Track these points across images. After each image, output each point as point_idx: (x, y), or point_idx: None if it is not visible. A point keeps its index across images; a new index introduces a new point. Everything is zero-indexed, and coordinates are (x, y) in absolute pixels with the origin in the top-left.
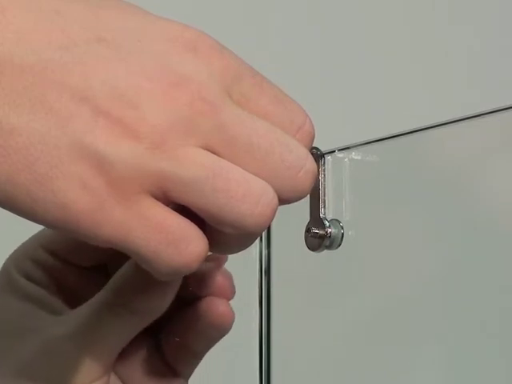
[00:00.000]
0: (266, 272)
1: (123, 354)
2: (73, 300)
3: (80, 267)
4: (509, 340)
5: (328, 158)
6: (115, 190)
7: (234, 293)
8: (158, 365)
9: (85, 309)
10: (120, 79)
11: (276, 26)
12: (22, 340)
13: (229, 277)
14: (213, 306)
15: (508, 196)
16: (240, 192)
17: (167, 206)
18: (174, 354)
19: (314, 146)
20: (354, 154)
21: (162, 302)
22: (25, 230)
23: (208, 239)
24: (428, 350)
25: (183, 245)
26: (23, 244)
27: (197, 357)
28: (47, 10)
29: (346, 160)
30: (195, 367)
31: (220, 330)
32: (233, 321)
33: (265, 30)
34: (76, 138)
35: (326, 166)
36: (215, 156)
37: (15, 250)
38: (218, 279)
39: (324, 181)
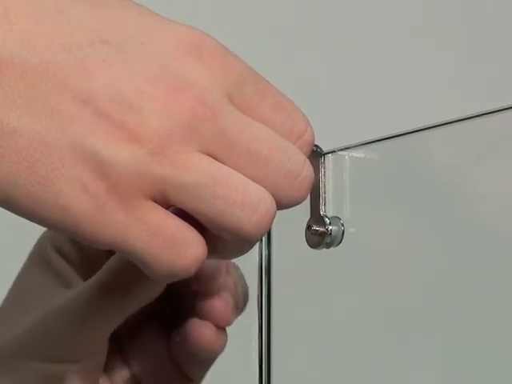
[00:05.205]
0: (266, 270)
1: (140, 358)
2: None
3: None
4: (509, 340)
5: (329, 155)
6: (115, 193)
7: (230, 321)
8: (171, 369)
9: (83, 285)
10: (122, 82)
11: (277, 25)
12: (28, 306)
13: (228, 304)
14: (197, 330)
15: (508, 196)
16: (239, 199)
17: (167, 209)
18: (182, 359)
19: (314, 143)
20: (355, 152)
21: (155, 288)
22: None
23: (207, 244)
24: (429, 347)
25: (182, 248)
26: None
27: (203, 366)
28: (51, 10)
29: (346, 157)
30: (205, 373)
31: (206, 354)
32: (220, 347)
33: (266, 30)
34: (76, 141)
35: (326, 163)
36: (216, 162)
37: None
38: (216, 304)
39: (324, 178)
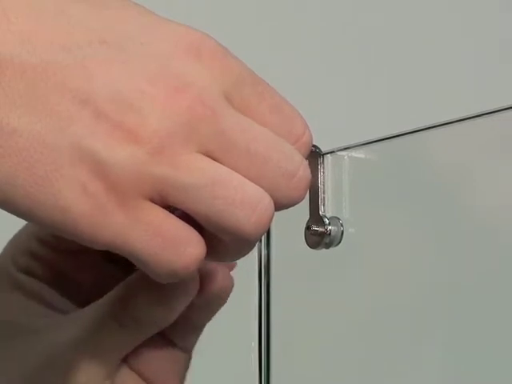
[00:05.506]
0: (265, 270)
1: (139, 353)
2: (76, 293)
3: (79, 255)
4: (509, 340)
5: (328, 155)
6: (114, 194)
7: (235, 265)
8: (159, 340)
9: (88, 314)
10: (121, 82)
11: (276, 25)
12: (26, 343)
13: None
14: (213, 273)
15: (508, 196)
16: (238, 199)
17: (166, 209)
18: (172, 327)
19: (313, 144)
20: (354, 152)
21: (170, 314)
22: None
23: (207, 246)
24: (429, 347)
25: (182, 248)
26: (15, 238)
27: (196, 329)
28: (50, 10)
29: (345, 158)
30: (196, 340)
31: (220, 299)
32: (231, 289)
33: (265, 30)
34: (76, 141)
35: (325, 163)
36: (215, 162)
37: (7, 246)
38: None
39: (324, 178)
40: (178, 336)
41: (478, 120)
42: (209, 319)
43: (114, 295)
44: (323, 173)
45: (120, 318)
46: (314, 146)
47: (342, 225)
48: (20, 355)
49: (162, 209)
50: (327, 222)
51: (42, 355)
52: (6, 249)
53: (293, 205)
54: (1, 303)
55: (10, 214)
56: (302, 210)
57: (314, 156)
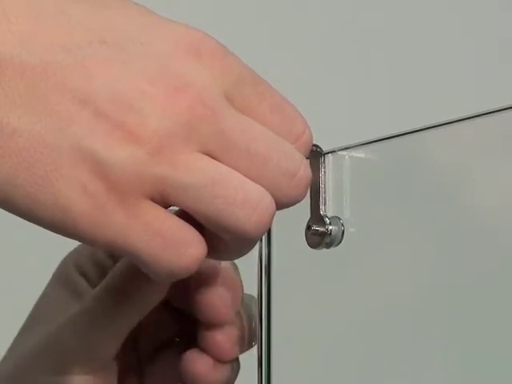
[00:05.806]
0: (266, 270)
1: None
2: None
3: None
4: (509, 340)
5: (329, 155)
6: (115, 193)
7: (231, 356)
8: None
9: (90, 294)
10: (121, 82)
11: (276, 25)
12: (46, 326)
13: (230, 338)
14: (192, 362)
15: (508, 196)
16: (238, 198)
17: (166, 209)
18: None
19: (314, 143)
20: (355, 152)
21: (160, 288)
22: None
23: (207, 244)
24: (429, 347)
25: (182, 248)
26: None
27: None
28: (50, 10)
29: (346, 157)
30: None
31: None
32: (218, 381)
33: (265, 30)
34: (76, 141)
35: (326, 163)
36: (215, 162)
37: (75, 249)
38: (216, 337)
39: (324, 178)
40: None
41: (478, 120)
42: None
43: (109, 272)
44: (324, 172)
45: (112, 290)
46: (316, 145)
47: (342, 224)
48: (35, 331)
49: (162, 209)
50: (328, 221)
51: (49, 332)
52: (72, 252)
53: (293, 204)
54: (50, 294)
55: (10, 214)
56: (302, 210)
57: (315, 155)
